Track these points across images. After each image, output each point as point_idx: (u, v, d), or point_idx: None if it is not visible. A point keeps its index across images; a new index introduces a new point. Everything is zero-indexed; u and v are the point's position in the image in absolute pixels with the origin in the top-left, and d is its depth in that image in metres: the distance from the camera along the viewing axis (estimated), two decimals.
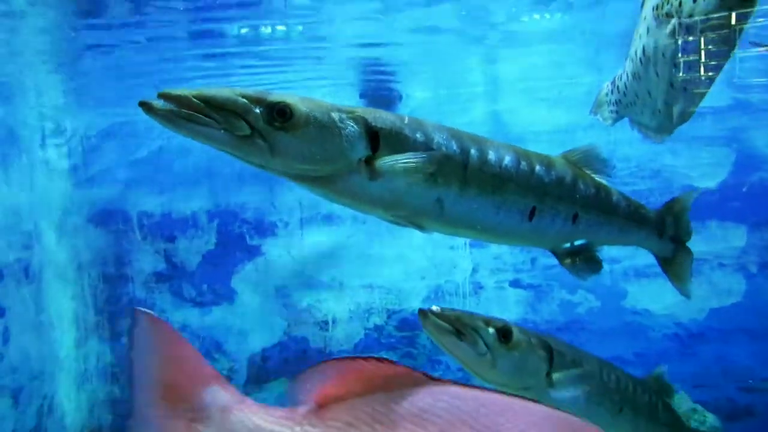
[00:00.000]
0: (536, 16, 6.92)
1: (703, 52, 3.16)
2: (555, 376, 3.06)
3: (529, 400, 1.46)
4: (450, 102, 9.29)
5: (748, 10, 2.92)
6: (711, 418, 6.33)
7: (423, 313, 2.91)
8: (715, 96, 8.50)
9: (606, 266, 9.27)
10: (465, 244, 8.67)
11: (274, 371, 8.85)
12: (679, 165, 8.13)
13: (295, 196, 8.92)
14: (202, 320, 8.95)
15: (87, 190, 8.91)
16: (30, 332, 7.59)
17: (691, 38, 3.09)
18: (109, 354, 8.92)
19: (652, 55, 3.26)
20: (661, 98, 3.33)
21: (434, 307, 2.94)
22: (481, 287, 8.55)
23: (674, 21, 3.06)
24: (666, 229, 3.45)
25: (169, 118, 2.32)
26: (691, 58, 3.18)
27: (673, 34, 3.11)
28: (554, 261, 3.25)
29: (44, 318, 7.94)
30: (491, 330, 2.96)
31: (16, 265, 7.50)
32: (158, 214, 9.02)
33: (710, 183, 8.17)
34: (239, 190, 8.98)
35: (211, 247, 9.00)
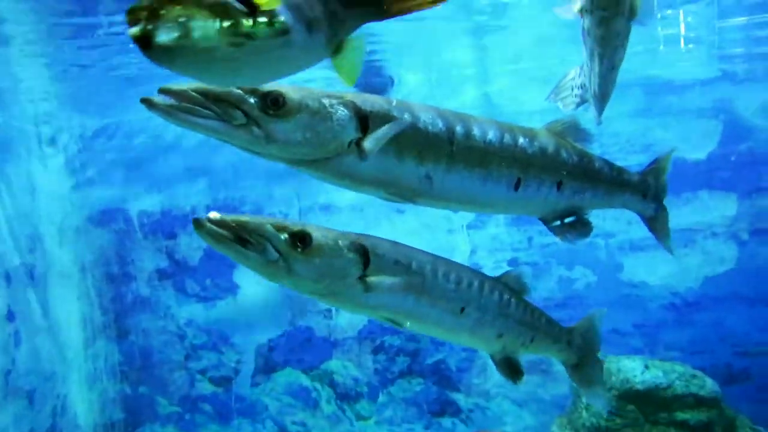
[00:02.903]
0: None
1: (600, 36, 3.28)
2: (370, 279, 2.94)
3: None
4: (442, 85, 9.37)
5: None
6: (710, 383, 6.51)
7: (197, 222, 2.72)
8: (703, 68, 8.64)
9: (601, 241, 9.44)
10: (462, 227, 8.79)
11: (281, 361, 9.00)
12: (669, 138, 8.26)
13: (292, 187, 9.02)
14: (208, 315, 9.07)
15: (86, 192, 8.99)
16: (39, 334, 7.70)
17: (588, 22, 3.25)
18: (117, 353, 9.04)
19: (582, 38, 3.42)
20: (589, 80, 3.49)
21: (212, 214, 2.75)
22: (480, 267, 8.67)
23: (580, 5, 3.23)
24: (649, 190, 3.58)
25: (170, 112, 2.44)
26: (592, 41, 3.34)
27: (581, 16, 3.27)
28: (551, 239, 3.38)
29: (52, 320, 8.05)
30: (284, 235, 2.80)
31: (22, 269, 7.60)
32: (158, 211, 9.11)
33: (700, 154, 8.31)
34: (237, 184, 9.08)
35: None
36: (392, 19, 2.22)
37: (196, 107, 2.45)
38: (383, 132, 2.68)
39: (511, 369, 3.49)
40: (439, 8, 2.22)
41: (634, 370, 6.57)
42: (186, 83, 2.48)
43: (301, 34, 1.85)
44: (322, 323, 8.94)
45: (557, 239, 3.38)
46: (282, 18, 1.78)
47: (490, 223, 8.79)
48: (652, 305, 8.42)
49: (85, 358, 8.63)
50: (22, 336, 7.35)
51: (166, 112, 2.43)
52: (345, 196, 8.56)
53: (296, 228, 2.84)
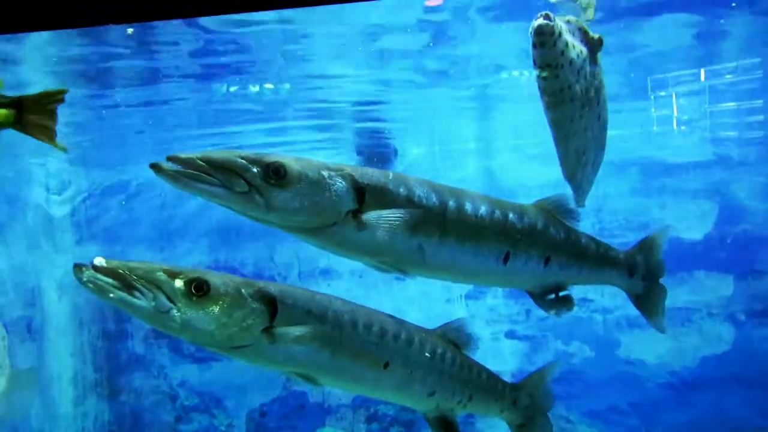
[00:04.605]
0: (525, 73, 7.21)
1: (551, 120, 3.45)
2: (278, 331, 2.72)
3: None
4: (444, 158, 9.58)
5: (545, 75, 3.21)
6: None
7: (77, 268, 2.53)
8: (697, 150, 8.85)
9: (599, 316, 9.42)
10: (461, 296, 8.81)
11: (273, 427, 8.84)
12: (666, 218, 8.38)
13: (293, 252, 9.08)
14: (202, 376, 8.97)
15: (89, 247, 9.05)
16: (31, 389, 7.60)
17: (543, 106, 3.44)
18: (108, 412, 8.90)
19: None
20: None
21: (98, 260, 2.55)
22: (477, 339, 8.64)
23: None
24: (637, 269, 3.62)
25: (176, 178, 2.59)
26: (548, 124, 3.49)
27: None
28: (546, 314, 3.42)
29: (44, 375, 7.96)
30: (177, 282, 2.60)
31: (21, 323, 7.58)
32: None
33: (696, 235, 8.41)
34: (238, 246, 9.14)
35: None
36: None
37: (202, 174, 2.59)
38: (387, 215, 2.77)
39: (446, 429, 3.23)
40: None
41: None
42: (194, 152, 2.62)
43: None
44: (316, 389, 8.84)
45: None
46: None
47: (488, 294, 8.80)
48: (650, 384, 8.34)
49: (74, 417, 8.49)
50: (13, 390, 7.27)
51: (172, 177, 2.57)
52: (345, 262, 8.58)
53: (192, 274, 2.66)
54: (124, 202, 9.25)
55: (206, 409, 8.89)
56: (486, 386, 3.36)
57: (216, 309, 2.64)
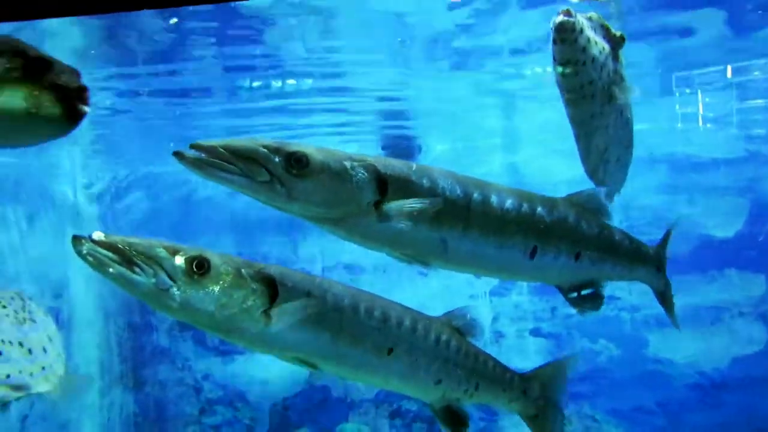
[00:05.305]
0: (548, 69, 7.14)
1: (571, 116, 3.50)
2: (275, 312, 2.64)
3: None
4: (468, 154, 9.51)
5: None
6: None
7: (76, 240, 2.43)
8: (728, 147, 8.68)
9: (626, 314, 9.30)
10: (485, 293, 8.74)
11: (296, 421, 8.87)
12: (696, 214, 8.23)
13: (316, 246, 9.09)
14: (225, 369, 9.02)
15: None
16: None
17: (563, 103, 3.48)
18: (133, 403, 9.00)
19: None
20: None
21: (96, 234, 2.45)
22: (501, 336, 8.59)
23: None
24: (663, 263, 3.56)
25: (199, 165, 2.58)
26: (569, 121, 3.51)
27: None
28: (574, 310, 3.35)
29: (71, 366, 8.06)
30: (178, 260, 2.52)
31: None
32: None
33: (727, 233, 8.23)
34: (263, 240, 9.17)
35: None
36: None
37: (224, 163, 2.57)
38: (409, 205, 2.73)
39: (454, 420, 3.14)
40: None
41: None
42: (216, 140, 2.61)
43: None
44: (338, 383, 8.84)
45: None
46: None
47: (513, 291, 8.73)
48: (677, 384, 8.20)
49: (100, 407, 8.60)
50: None
51: (195, 165, 2.57)
52: (368, 257, 8.60)
53: (193, 252, 2.59)
54: (149, 194, 9.34)
55: (230, 402, 8.95)
56: (493, 375, 3.26)
57: (216, 288, 2.57)
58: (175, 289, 2.50)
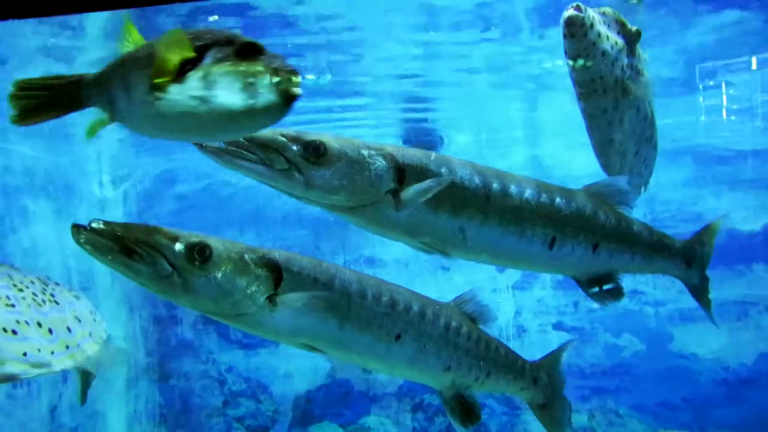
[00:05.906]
0: (559, 62, 7.06)
1: (583, 110, 3.52)
2: (280, 298, 2.61)
3: None
4: (491, 147, 9.46)
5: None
6: None
7: (76, 228, 2.43)
8: (755, 139, 8.53)
9: (651, 309, 9.21)
10: (507, 287, 8.71)
11: (319, 414, 8.93)
12: (722, 208, 8.11)
13: (338, 240, 9.12)
14: (248, 362, 9.11)
15: None
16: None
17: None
18: (158, 395, 9.13)
19: None
20: None
21: (95, 222, 2.43)
22: (524, 330, 8.56)
23: None
24: (695, 258, 3.51)
25: (218, 154, 2.62)
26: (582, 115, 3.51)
27: None
28: (596, 305, 3.33)
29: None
30: (178, 246, 2.48)
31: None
32: None
33: (754, 226, 8.10)
34: (285, 234, 9.22)
35: None
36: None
37: (243, 152, 2.61)
38: (424, 186, 2.75)
39: (464, 409, 3.10)
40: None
41: None
42: None
43: None
44: (360, 377, 8.88)
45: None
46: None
47: (536, 285, 8.68)
48: (703, 379, 8.11)
49: (127, 399, 8.73)
50: (70, 372, 7.49)
51: (215, 154, 2.61)
52: (390, 250, 8.60)
53: (193, 239, 2.55)
54: (173, 189, 9.43)
55: (253, 394, 9.03)
56: (505, 362, 3.23)
57: (218, 275, 2.53)
58: (176, 275, 2.47)
